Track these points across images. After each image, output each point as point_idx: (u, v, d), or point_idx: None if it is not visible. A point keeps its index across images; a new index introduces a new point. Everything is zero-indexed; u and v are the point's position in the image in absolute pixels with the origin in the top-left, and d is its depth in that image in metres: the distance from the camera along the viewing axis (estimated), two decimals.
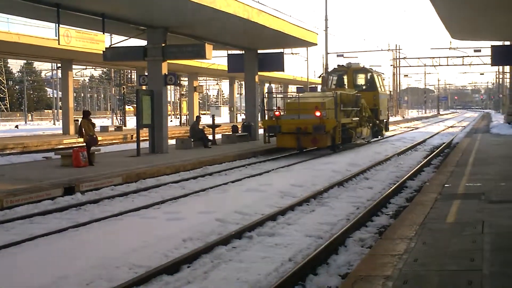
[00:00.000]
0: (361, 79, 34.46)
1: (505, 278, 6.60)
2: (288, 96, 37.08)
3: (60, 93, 59.48)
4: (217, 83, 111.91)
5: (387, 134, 38.31)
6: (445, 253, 7.76)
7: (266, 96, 32.73)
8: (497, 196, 12.46)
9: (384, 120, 35.79)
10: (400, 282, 6.53)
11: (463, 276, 6.68)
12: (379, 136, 35.67)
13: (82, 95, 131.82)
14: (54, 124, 75.73)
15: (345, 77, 33.53)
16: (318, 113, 25.72)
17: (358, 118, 29.99)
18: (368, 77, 34.26)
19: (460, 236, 8.70)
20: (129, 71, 60.73)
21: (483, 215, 10.24)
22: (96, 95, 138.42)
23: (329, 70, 38.40)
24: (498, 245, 8.12)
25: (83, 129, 20.43)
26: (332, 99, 26.91)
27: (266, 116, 29.08)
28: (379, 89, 34.36)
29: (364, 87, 33.75)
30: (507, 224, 9.45)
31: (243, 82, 44.10)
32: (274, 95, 34.18)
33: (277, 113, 27.13)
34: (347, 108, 28.62)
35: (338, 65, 35.10)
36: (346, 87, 32.15)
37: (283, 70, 35.02)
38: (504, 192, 13.00)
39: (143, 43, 26.21)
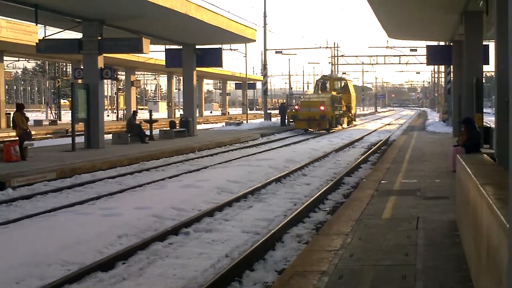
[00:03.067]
0: (338, 85, 50.03)
1: (437, 272, 6.70)
2: (302, 96, 52.19)
3: None
4: (155, 78, 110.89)
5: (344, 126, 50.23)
6: (380, 248, 7.85)
7: (289, 97, 56.42)
8: (432, 192, 12.70)
9: (353, 114, 53.71)
10: (335, 277, 6.56)
11: (398, 271, 6.76)
12: (350, 125, 50.09)
13: (15, 87, 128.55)
14: None
15: (328, 84, 49.13)
16: (322, 107, 40.11)
17: (342, 112, 45.52)
18: (343, 84, 50.65)
19: (395, 232, 8.82)
20: (64, 64, 59.50)
21: (418, 211, 10.41)
22: (29, 88, 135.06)
23: (317, 78, 58.09)
24: (432, 240, 8.26)
25: (16, 123, 19.92)
26: (329, 98, 42.19)
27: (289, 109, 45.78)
28: (351, 92, 50.92)
29: (340, 91, 48.38)
30: (441, 220, 9.63)
31: (181, 77, 43.82)
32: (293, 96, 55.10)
33: (296, 107, 42.69)
34: (336, 105, 43.41)
35: (323, 75, 54.79)
36: (328, 90, 47.18)
37: (221, 66, 34.99)
38: (439, 188, 13.26)
39: (79, 35, 25.72)
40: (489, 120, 29.74)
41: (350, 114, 50.66)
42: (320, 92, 47.83)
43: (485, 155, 10.05)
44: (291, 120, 42.61)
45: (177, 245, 9.74)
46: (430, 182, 14.19)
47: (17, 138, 20.21)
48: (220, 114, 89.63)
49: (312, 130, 41.64)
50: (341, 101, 45.40)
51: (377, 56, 76.02)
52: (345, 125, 47.46)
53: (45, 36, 25.98)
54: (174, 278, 8.00)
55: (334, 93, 45.67)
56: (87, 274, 7.99)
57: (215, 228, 10.87)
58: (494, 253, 4.55)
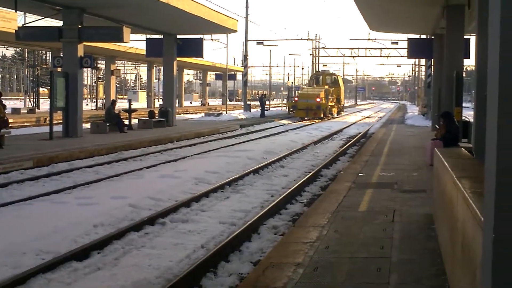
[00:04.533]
0: (330, 80, 56.70)
1: (412, 264, 6.72)
2: (300, 89, 60.94)
3: None
4: (135, 68, 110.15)
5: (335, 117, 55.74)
6: (356, 241, 7.85)
7: (290, 90, 63.68)
8: (409, 185, 12.75)
9: (342, 105, 60.30)
10: (310, 269, 6.54)
11: (373, 263, 6.76)
12: (339, 115, 55.94)
13: None
14: None
15: (321, 78, 55.93)
16: (318, 99, 46.82)
17: (334, 103, 52.97)
18: (334, 79, 57.43)
19: (372, 224, 8.83)
20: (43, 52, 58.92)
21: (395, 204, 10.43)
22: (8, 75, 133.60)
23: (313, 73, 66.04)
24: (407, 233, 8.28)
25: None
26: (324, 91, 48.63)
27: (290, 100, 55.72)
28: (340, 86, 57.69)
29: (331, 85, 54.87)
30: (417, 213, 9.66)
31: (162, 67, 43.58)
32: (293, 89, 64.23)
33: (296, 98, 49.79)
34: (329, 97, 50.05)
35: (316, 71, 64.35)
36: (321, 84, 53.90)
37: (202, 56, 34.91)
38: (416, 181, 13.31)
39: (59, 23, 25.44)
40: (468, 114, 29.91)
41: (340, 106, 57.65)
42: (315, 86, 54.06)
43: (462, 149, 10.08)
44: (291, 109, 50.17)
45: (153, 235, 9.69)
46: (408, 176, 14.24)
47: None
48: (200, 104, 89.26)
49: (308, 118, 46.59)
50: (332, 94, 52.37)
51: (358, 48, 75.97)
52: (335, 115, 53.52)
53: (24, 24, 25.68)
54: (149, 268, 7.95)
55: (326, 86, 51.97)
56: (62, 263, 7.91)
57: (191, 218, 10.83)
58: (468, 247, 4.55)
